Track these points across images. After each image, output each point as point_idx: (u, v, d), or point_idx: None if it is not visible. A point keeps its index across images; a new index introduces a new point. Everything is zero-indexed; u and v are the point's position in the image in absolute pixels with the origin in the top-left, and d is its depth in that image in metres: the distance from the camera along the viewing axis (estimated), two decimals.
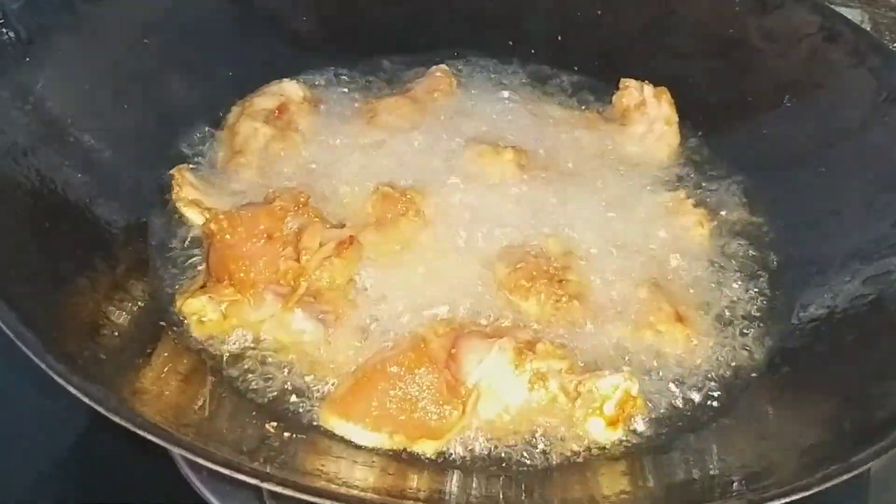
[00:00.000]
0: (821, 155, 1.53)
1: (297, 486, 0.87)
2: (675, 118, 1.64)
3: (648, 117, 1.64)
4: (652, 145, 1.61)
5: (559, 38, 1.80)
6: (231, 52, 1.62)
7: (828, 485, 0.95)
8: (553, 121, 1.62)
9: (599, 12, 1.78)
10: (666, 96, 1.64)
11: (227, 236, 1.23)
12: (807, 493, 0.94)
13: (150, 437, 0.89)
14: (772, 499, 0.95)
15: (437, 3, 1.81)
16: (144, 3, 1.54)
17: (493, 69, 1.78)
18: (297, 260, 1.23)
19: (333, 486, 0.93)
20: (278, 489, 0.86)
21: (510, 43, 1.81)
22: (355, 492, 0.94)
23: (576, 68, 1.79)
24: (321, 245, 1.24)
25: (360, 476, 1.05)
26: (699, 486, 1.09)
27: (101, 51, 1.44)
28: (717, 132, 1.67)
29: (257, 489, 1.18)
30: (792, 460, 1.08)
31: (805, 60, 1.61)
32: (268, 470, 0.90)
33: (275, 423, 1.10)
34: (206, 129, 1.53)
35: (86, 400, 0.91)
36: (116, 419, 0.90)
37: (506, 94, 1.70)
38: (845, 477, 0.96)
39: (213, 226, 1.24)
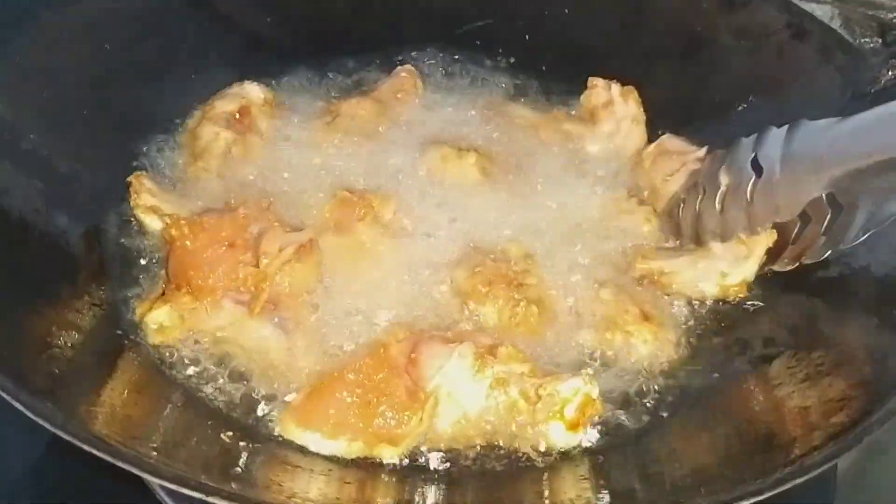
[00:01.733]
0: None
1: (243, 499, 0.87)
2: (643, 117, 1.64)
3: (616, 116, 1.63)
4: (619, 144, 1.60)
5: (527, 37, 1.79)
6: (193, 54, 1.59)
7: (782, 488, 0.95)
8: (519, 121, 1.62)
9: (567, 11, 1.76)
10: (633, 95, 1.64)
11: (188, 243, 1.22)
12: (759, 498, 0.94)
13: (96, 452, 0.88)
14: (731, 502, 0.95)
15: (404, 2, 1.79)
16: (104, 7, 1.50)
17: (461, 69, 1.76)
18: (257, 265, 1.21)
19: (282, 499, 0.92)
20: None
21: (478, 42, 1.80)
22: None
23: (544, 68, 1.77)
24: (280, 249, 1.23)
25: (318, 487, 1.04)
26: (661, 490, 1.09)
27: (60, 56, 1.41)
28: (686, 131, 1.66)
29: None
30: (756, 461, 1.08)
31: (772, 58, 1.60)
32: (214, 484, 0.89)
33: (230, 433, 1.10)
34: (168, 133, 1.51)
35: (33, 417, 0.90)
36: (63, 435, 0.89)
37: (472, 94, 1.70)
38: (799, 480, 0.95)
39: (173, 231, 1.23)
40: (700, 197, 1.39)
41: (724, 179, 1.35)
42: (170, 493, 1.22)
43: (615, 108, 1.64)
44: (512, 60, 1.79)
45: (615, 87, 1.64)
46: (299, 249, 1.25)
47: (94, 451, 0.89)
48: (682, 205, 1.45)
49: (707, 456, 1.14)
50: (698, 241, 1.40)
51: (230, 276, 1.21)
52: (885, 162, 1.13)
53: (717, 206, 1.36)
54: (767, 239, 1.35)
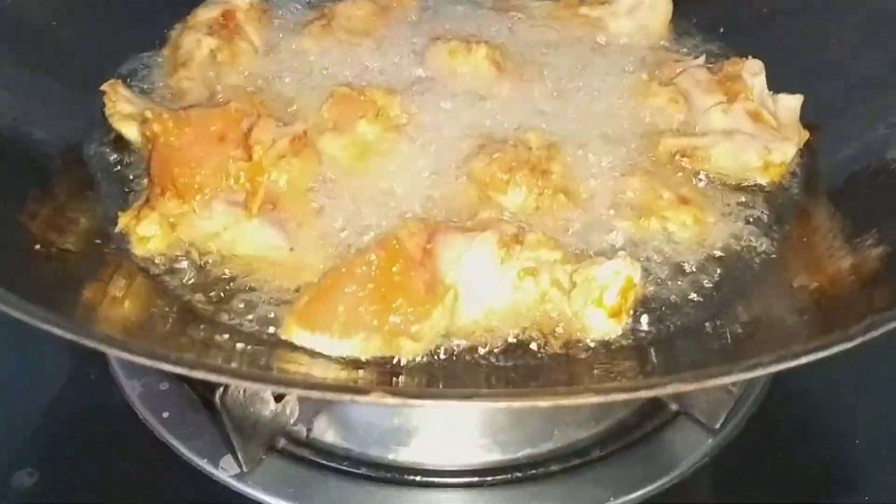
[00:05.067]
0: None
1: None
2: None
3: None
4: (643, 17, 1.48)
5: None
6: None
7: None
8: (533, 13, 1.50)
9: None
10: None
11: (173, 139, 1.10)
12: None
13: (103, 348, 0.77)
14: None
15: None
16: None
17: None
18: (249, 158, 1.09)
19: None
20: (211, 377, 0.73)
21: None
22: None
23: None
24: (274, 141, 1.11)
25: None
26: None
27: None
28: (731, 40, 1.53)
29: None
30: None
31: None
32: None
33: (227, 336, 0.98)
34: (150, 51, 1.40)
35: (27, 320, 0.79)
36: (67, 335, 0.78)
37: None
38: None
39: (155, 127, 1.10)
40: None
41: None
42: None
43: None
44: None
45: None
46: (294, 141, 1.13)
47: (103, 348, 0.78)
48: None
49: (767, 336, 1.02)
50: None
51: (221, 172, 1.08)
52: None
53: None
54: (802, 133, 1.28)
